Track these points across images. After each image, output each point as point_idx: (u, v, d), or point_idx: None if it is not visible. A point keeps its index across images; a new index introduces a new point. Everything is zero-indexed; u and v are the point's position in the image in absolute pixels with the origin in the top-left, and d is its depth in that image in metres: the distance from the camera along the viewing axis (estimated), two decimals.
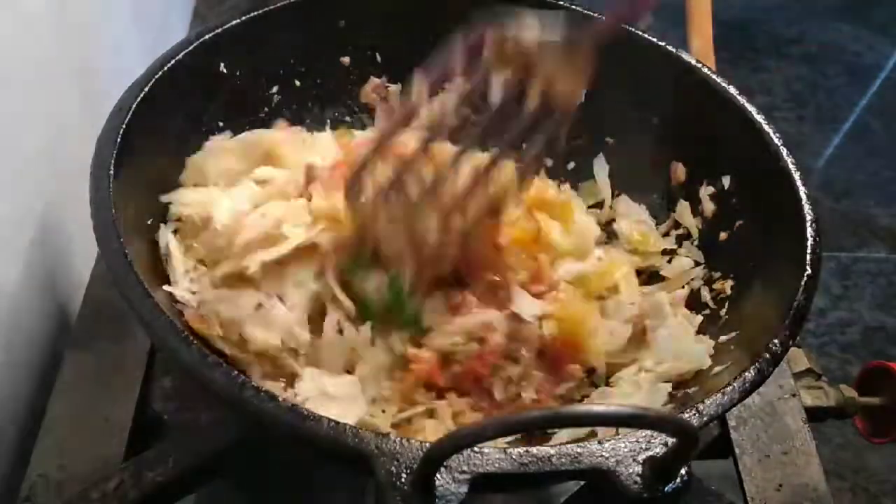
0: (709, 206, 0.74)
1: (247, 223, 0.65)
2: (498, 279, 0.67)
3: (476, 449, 0.46)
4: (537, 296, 0.68)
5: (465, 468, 0.45)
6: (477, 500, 0.46)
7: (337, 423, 0.47)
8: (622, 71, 0.78)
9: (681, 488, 0.47)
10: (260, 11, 0.75)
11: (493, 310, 0.66)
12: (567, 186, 0.82)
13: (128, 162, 0.60)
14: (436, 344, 0.64)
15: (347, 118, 0.83)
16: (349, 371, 0.64)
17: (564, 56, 0.59)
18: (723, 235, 0.72)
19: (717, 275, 0.72)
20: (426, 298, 0.65)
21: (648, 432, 0.48)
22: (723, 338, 0.65)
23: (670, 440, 0.47)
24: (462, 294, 0.66)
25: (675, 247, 0.77)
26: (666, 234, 0.78)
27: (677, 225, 0.77)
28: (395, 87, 0.84)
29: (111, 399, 0.69)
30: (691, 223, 0.76)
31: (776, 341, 0.56)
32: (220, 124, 0.75)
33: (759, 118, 0.70)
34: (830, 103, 2.07)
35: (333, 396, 0.61)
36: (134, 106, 0.63)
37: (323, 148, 0.75)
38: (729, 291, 0.69)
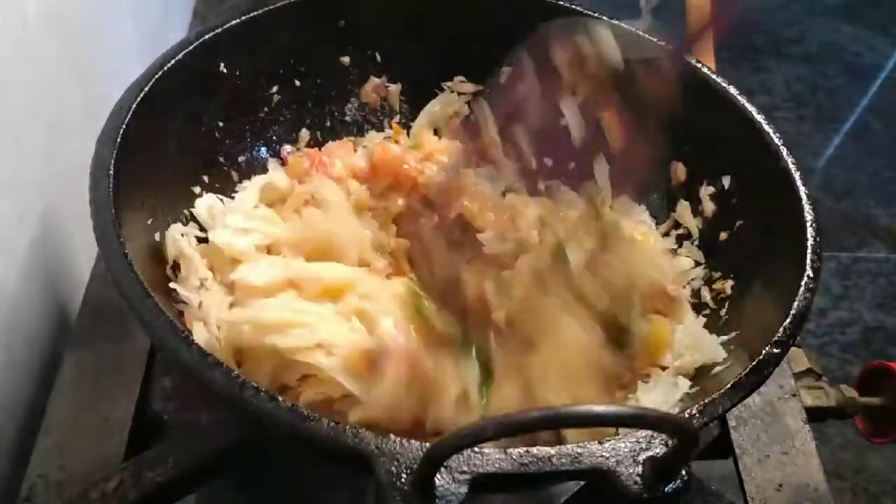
0: (709, 206, 0.74)
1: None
2: None
3: (476, 449, 0.46)
4: None
5: (465, 468, 0.45)
6: (477, 500, 0.46)
7: (337, 423, 0.47)
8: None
9: (681, 488, 0.46)
10: (260, 11, 0.75)
11: None
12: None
13: (128, 162, 0.60)
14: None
15: (347, 118, 0.83)
16: None
17: (646, 78, 0.56)
18: (723, 235, 0.72)
19: (718, 275, 0.72)
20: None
21: (648, 432, 0.48)
22: (723, 338, 0.65)
23: (670, 440, 0.47)
24: None
25: (675, 247, 0.77)
26: (666, 234, 0.78)
27: (677, 225, 0.77)
28: (395, 87, 0.84)
29: (111, 399, 0.69)
30: (691, 223, 0.76)
31: (776, 341, 0.56)
32: (220, 124, 0.75)
33: (760, 118, 0.70)
34: (830, 103, 2.07)
35: None
36: (134, 106, 0.63)
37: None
38: (729, 291, 0.69)
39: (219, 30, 0.72)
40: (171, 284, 0.63)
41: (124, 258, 0.54)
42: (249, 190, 0.75)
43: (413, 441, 0.46)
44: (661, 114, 0.56)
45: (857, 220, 1.80)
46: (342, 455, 0.48)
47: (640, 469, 0.47)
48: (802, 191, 0.65)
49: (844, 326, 1.61)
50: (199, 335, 0.62)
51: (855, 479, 1.39)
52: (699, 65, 0.75)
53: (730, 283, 0.69)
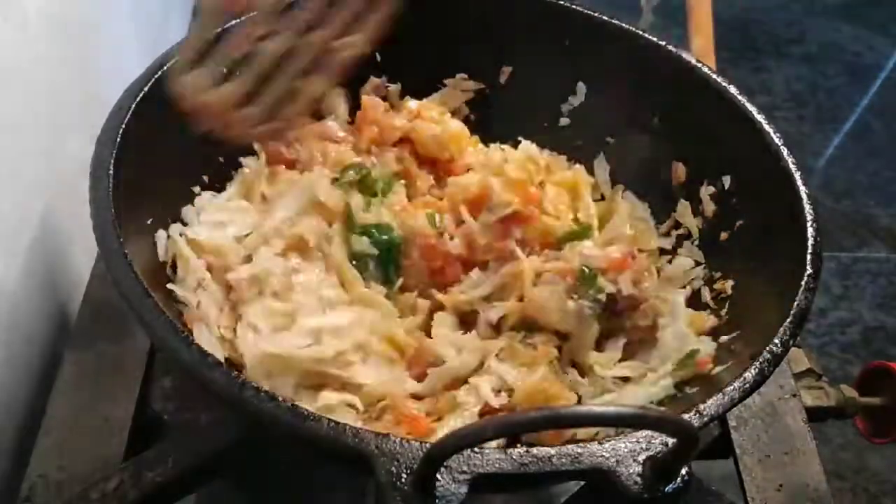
0: (709, 206, 0.74)
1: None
2: None
3: (476, 449, 0.46)
4: None
5: (465, 468, 0.45)
6: (477, 500, 0.46)
7: (337, 423, 0.47)
8: (622, 71, 0.79)
9: (681, 488, 0.46)
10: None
11: None
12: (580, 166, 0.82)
13: (128, 162, 0.60)
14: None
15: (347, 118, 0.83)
16: None
17: None
18: (723, 235, 0.72)
19: (718, 275, 0.71)
20: None
21: (648, 432, 0.48)
22: (723, 338, 0.65)
23: (670, 440, 0.47)
24: None
25: (675, 246, 0.77)
26: (666, 234, 0.78)
27: (678, 225, 0.77)
28: (394, 87, 0.84)
29: (111, 399, 0.69)
30: (692, 223, 0.76)
31: (777, 341, 0.56)
32: None
33: (760, 118, 0.70)
34: (831, 103, 2.08)
35: None
36: (134, 106, 0.63)
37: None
38: (729, 291, 0.69)
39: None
40: (169, 285, 0.63)
41: (124, 258, 0.54)
42: (229, 188, 0.76)
43: (413, 441, 0.46)
44: None
45: (857, 220, 1.81)
46: (342, 455, 0.48)
47: (640, 469, 0.47)
48: (802, 191, 0.65)
49: (844, 326, 1.61)
50: (200, 335, 0.62)
51: (855, 479, 1.39)
52: (699, 65, 0.75)
53: (730, 283, 0.69)
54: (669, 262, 0.76)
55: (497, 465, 0.46)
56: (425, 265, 0.70)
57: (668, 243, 0.77)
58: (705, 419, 0.52)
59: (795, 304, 0.58)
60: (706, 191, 0.74)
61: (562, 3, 0.80)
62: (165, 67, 0.67)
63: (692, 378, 0.64)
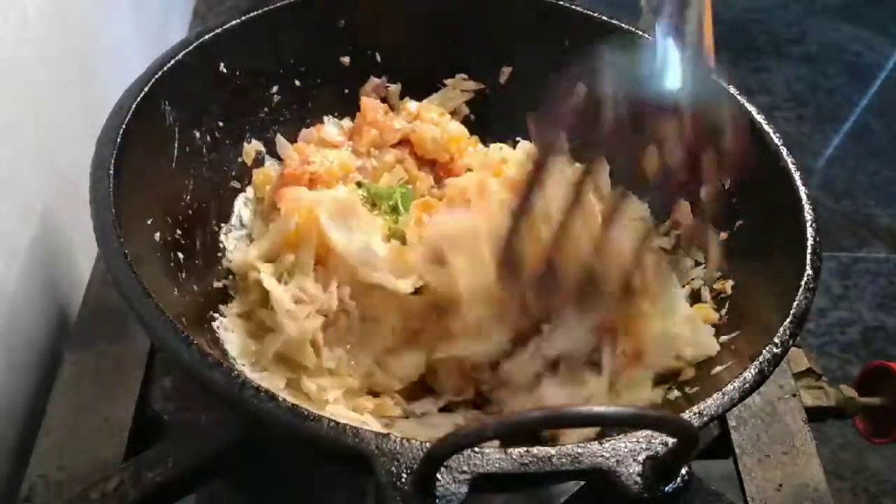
0: (709, 206, 0.74)
1: None
2: None
3: (476, 449, 0.46)
4: None
5: (465, 468, 0.45)
6: (477, 500, 0.46)
7: (337, 423, 0.47)
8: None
9: (681, 488, 0.47)
10: (260, 11, 0.75)
11: None
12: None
13: (128, 162, 0.60)
14: None
15: (347, 118, 0.83)
16: None
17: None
18: (723, 235, 0.72)
19: (718, 274, 0.71)
20: None
21: (648, 432, 0.48)
22: (723, 338, 0.65)
23: (670, 440, 0.47)
24: None
25: (675, 246, 0.77)
26: (666, 234, 0.78)
27: (678, 225, 0.77)
28: (394, 87, 0.84)
29: (111, 399, 0.69)
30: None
31: (776, 341, 0.56)
32: (220, 124, 0.75)
33: (760, 118, 0.70)
34: (830, 103, 2.07)
35: None
36: (134, 106, 0.63)
37: None
38: (729, 291, 0.69)
39: (219, 30, 0.72)
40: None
41: (124, 258, 0.54)
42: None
43: (413, 441, 0.46)
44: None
45: (857, 220, 1.80)
46: (342, 455, 0.48)
47: (640, 469, 0.47)
48: (802, 191, 0.65)
49: (844, 326, 1.61)
50: None
51: (855, 479, 1.39)
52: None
53: (730, 283, 0.69)
54: (669, 262, 0.76)
55: (497, 465, 0.46)
56: None
57: (668, 243, 0.77)
58: (705, 419, 0.52)
59: (795, 304, 0.58)
60: (706, 190, 0.74)
61: (562, 3, 0.80)
62: (165, 67, 0.67)
63: (693, 378, 0.64)
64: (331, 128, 0.80)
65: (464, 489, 0.45)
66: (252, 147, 0.78)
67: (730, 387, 0.53)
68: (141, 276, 0.53)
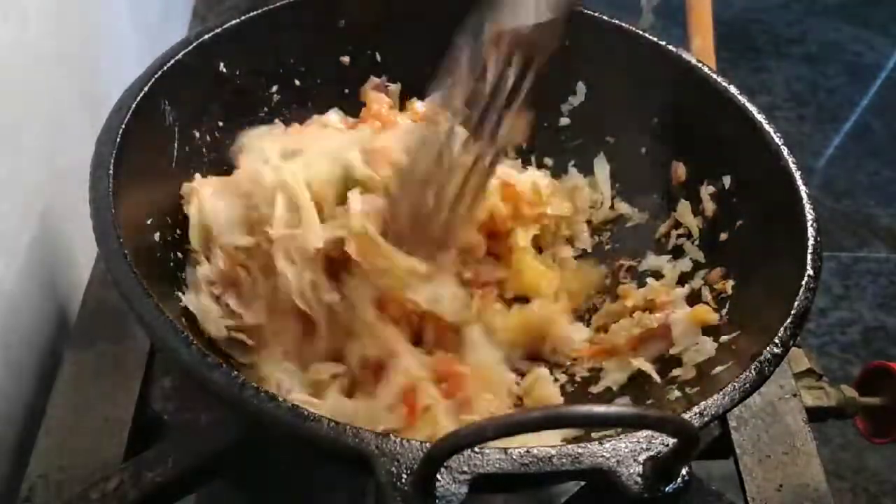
0: (709, 206, 0.74)
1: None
2: None
3: (476, 449, 0.46)
4: None
5: (465, 468, 0.45)
6: (477, 500, 0.46)
7: (337, 423, 0.47)
8: (622, 71, 0.79)
9: (681, 488, 0.46)
10: (259, 11, 0.75)
11: None
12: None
13: (128, 162, 0.60)
14: None
15: (347, 118, 0.83)
16: None
17: (544, 31, 0.61)
18: (723, 235, 0.72)
19: (718, 275, 0.71)
20: None
21: (649, 432, 0.48)
22: (723, 338, 0.65)
23: (671, 440, 0.47)
24: None
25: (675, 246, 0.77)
26: (666, 234, 0.78)
27: (678, 224, 0.77)
28: (394, 87, 0.84)
29: (111, 399, 0.69)
30: (692, 223, 0.76)
31: (777, 341, 0.56)
32: (220, 124, 0.75)
33: (760, 118, 0.70)
34: (831, 103, 2.07)
35: None
36: (134, 106, 0.63)
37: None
38: (729, 291, 0.69)
39: (218, 30, 0.72)
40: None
41: (124, 258, 0.54)
42: None
43: (413, 441, 0.46)
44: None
45: (857, 220, 1.81)
46: (342, 455, 0.48)
47: (640, 469, 0.47)
48: (803, 191, 0.65)
49: (845, 326, 1.61)
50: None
51: (855, 479, 1.39)
52: (699, 65, 0.75)
53: (730, 282, 0.69)
54: (669, 261, 0.76)
55: (497, 465, 0.46)
56: None
57: (668, 244, 0.77)
58: (705, 419, 0.52)
59: (795, 303, 0.58)
60: (706, 190, 0.74)
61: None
62: (165, 67, 0.67)
63: (693, 378, 0.64)
64: (334, 117, 0.80)
65: (464, 489, 0.45)
66: None
67: (730, 387, 0.53)
68: (141, 276, 0.53)
